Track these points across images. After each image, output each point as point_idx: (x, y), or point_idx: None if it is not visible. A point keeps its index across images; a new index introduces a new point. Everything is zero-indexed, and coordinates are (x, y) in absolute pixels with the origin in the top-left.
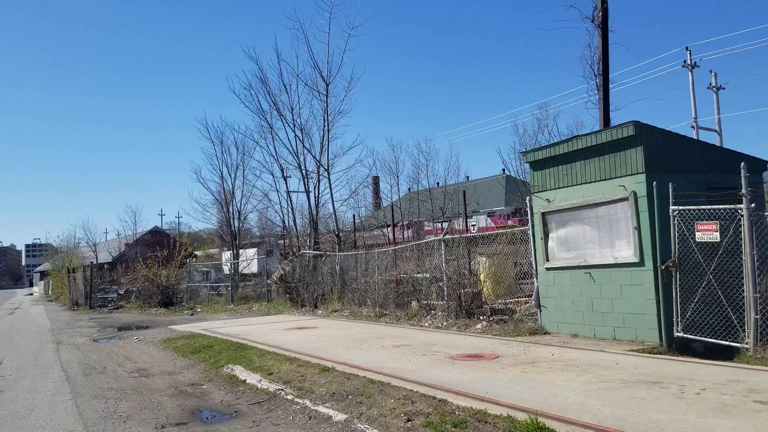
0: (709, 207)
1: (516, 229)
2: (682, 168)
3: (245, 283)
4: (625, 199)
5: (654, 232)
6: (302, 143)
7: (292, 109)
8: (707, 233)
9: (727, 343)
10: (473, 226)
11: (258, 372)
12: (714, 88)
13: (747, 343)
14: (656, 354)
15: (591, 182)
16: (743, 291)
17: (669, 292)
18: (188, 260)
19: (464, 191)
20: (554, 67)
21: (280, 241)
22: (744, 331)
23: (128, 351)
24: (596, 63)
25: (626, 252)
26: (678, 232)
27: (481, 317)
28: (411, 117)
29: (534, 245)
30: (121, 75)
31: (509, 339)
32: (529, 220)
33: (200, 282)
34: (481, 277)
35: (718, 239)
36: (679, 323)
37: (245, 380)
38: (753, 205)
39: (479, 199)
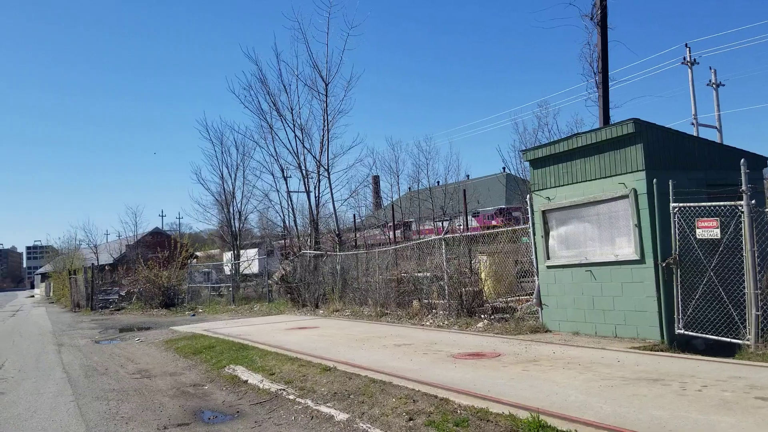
0: (709, 204)
1: (517, 227)
2: (683, 165)
3: (246, 284)
4: (626, 196)
5: (654, 229)
6: (302, 143)
7: (291, 109)
8: (708, 230)
9: (728, 339)
10: (459, 226)
11: (260, 372)
12: (714, 85)
13: (748, 340)
14: (657, 351)
15: (591, 180)
16: (744, 287)
17: (670, 290)
18: (189, 261)
19: (464, 190)
20: (554, 65)
21: (280, 241)
22: (745, 327)
23: (130, 352)
24: (596, 61)
25: (627, 249)
26: (678, 229)
27: (482, 316)
28: (411, 116)
29: (534, 243)
30: (121, 75)
31: (510, 337)
32: (530, 218)
33: (201, 283)
34: (482, 275)
35: (719, 236)
36: (680, 320)
37: (247, 380)
38: (753, 201)
39: (480, 198)
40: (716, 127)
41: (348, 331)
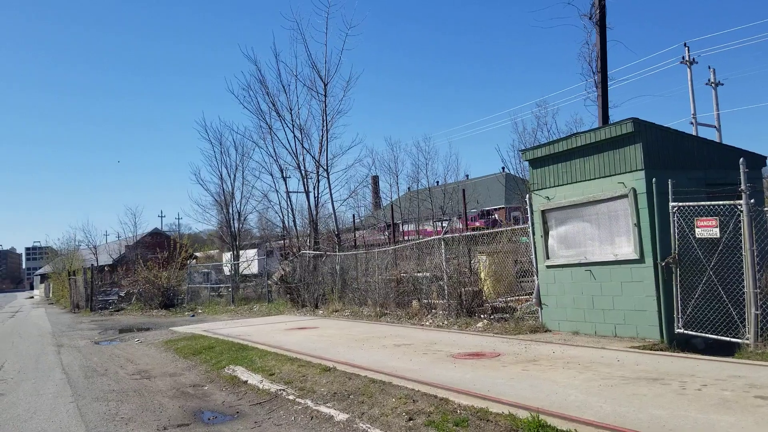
0: (708, 203)
1: (516, 227)
2: (682, 164)
3: (246, 284)
4: (625, 196)
5: (654, 228)
6: (301, 144)
7: (290, 109)
8: (707, 229)
9: (727, 338)
10: (443, 228)
11: (259, 372)
12: (713, 84)
13: (747, 339)
14: (657, 350)
15: (590, 179)
16: (743, 286)
17: (669, 289)
18: (189, 262)
19: (464, 190)
20: (553, 64)
21: (280, 242)
22: (744, 326)
23: (129, 353)
24: (594, 60)
25: (626, 249)
26: (678, 229)
27: (482, 316)
28: (410, 116)
29: (534, 243)
30: (120, 75)
31: (510, 337)
32: (529, 218)
33: (201, 283)
34: (482, 275)
35: (718, 235)
36: (680, 319)
37: (247, 381)
38: (752, 200)
39: (479, 198)
40: (715, 127)
41: (348, 331)
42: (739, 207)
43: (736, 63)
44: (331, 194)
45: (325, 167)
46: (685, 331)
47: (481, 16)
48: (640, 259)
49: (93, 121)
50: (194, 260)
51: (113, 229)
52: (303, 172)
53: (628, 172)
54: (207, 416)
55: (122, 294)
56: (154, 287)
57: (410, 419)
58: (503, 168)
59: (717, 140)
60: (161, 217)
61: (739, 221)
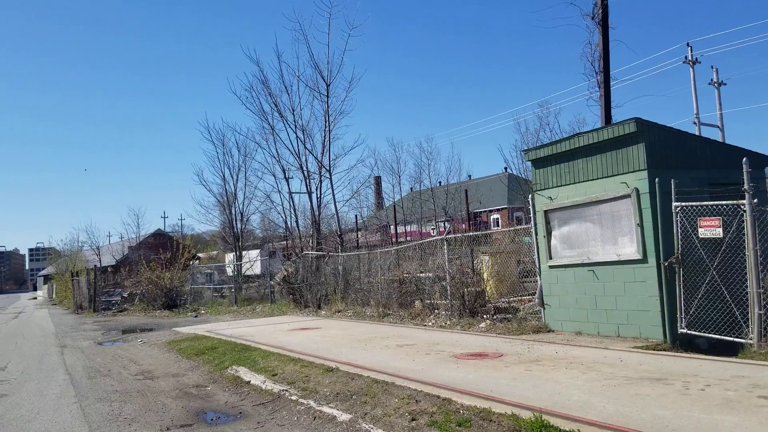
0: (711, 203)
1: (519, 227)
2: (684, 164)
3: (248, 285)
4: (628, 196)
5: (657, 228)
6: (304, 144)
7: (293, 110)
8: (710, 229)
9: (731, 338)
10: (433, 229)
11: (262, 373)
12: (715, 84)
13: (751, 339)
14: (660, 351)
15: (593, 179)
16: (747, 286)
17: (672, 289)
18: (191, 262)
19: (466, 190)
20: (555, 64)
21: (282, 243)
22: (748, 326)
23: (132, 353)
24: (597, 60)
25: (629, 249)
26: (681, 229)
27: (484, 316)
28: (412, 116)
29: (537, 243)
30: (122, 75)
31: (513, 337)
32: (532, 218)
33: (204, 284)
34: (485, 275)
35: (721, 235)
36: (683, 319)
37: (249, 381)
38: (755, 200)
39: (482, 198)
40: (718, 126)
41: (350, 331)
42: (742, 207)
43: (739, 63)
44: (333, 195)
45: (328, 168)
46: (689, 331)
47: (482, 15)
48: (643, 259)
49: (95, 122)
50: (197, 261)
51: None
52: (305, 172)
53: (631, 172)
54: (210, 417)
55: (125, 295)
56: (157, 288)
57: (413, 419)
58: (506, 168)
59: (720, 140)
60: (164, 217)
61: (743, 221)
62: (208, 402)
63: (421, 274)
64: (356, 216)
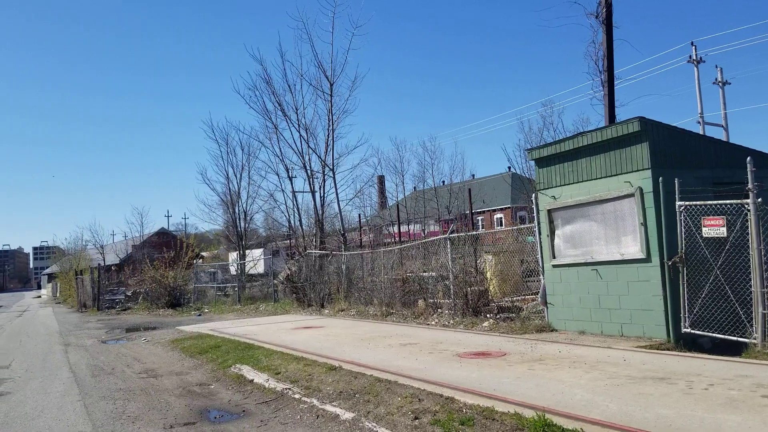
0: (715, 202)
1: (522, 226)
2: (688, 164)
3: (252, 284)
4: (631, 195)
5: (660, 228)
6: (307, 143)
7: (296, 109)
8: (714, 228)
9: (734, 338)
10: (423, 230)
11: (265, 371)
12: (720, 84)
13: (755, 338)
14: (664, 350)
15: (597, 179)
16: (751, 286)
17: (676, 288)
18: (195, 261)
19: (470, 189)
20: (559, 64)
21: (286, 241)
22: (752, 326)
23: (136, 352)
24: (601, 59)
25: (633, 248)
26: (685, 228)
27: (487, 315)
28: (415, 115)
29: (540, 242)
30: (125, 75)
31: (516, 336)
32: (535, 217)
33: (207, 283)
34: (488, 275)
35: (725, 234)
36: (687, 319)
37: (253, 380)
38: (759, 199)
39: (485, 197)
40: (722, 126)
41: (353, 330)
42: (746, 206)
43: (743, 62)
44: (336, 194)
45: (331, 167)
46: (692, 331)
47: (485, 15)
48: (647, 259)
49: (98, 122)
50: (201, 260)
51: (120, 228)
52: (309, 171)
53: (635, 171)
54: (213, 415)
55: (129, 293)
56: (160, 287)
57: (416, 418)
58: (509, 167)
59: (724, 139)
60: (168, 216)
61: (747, 220)
62: (211, 400)
63: (424, 273)
64: (360, 215)
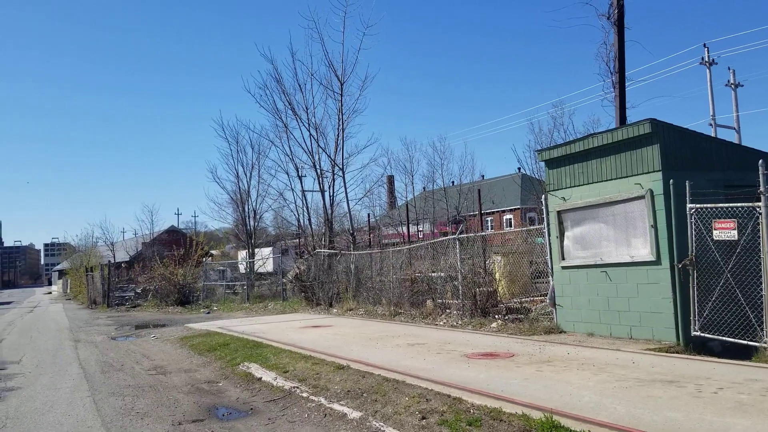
0: (726, 205)
1: (531, 228)
2: (700, 166)
3: (261, 282)
4: (642, 197)
5: (671, 230)
6: (317, 142)
7: (306, 108)
8: (725, 231)
9: (744, 342)
10: (420, 231)
11: (273, 370)
12: (732, 86)
13: (765, 342)
14: (673, 353)
15: (607, 180)
16: (761, 289)
17: (686, 291)
18: (204, 259)
19: (479, 190)
20: (570, 65)
21: (295, 240)
22: (762, 329)
23: (145, 349)
24: (612, 60)
25: (643, 250)
26: (695, 231)
27: (496, 316)
28: (425, 115)
29: (549, 244)
30: (135, 73)
31: (524, 338)
32: (545, 218)
33: (216, 281)
34: (497, 275)
35: (736, 237)
36: (697, 322)
37: (261, 378)
38: None
39: (494, 198)
40: (734, 128)
41: (361, 329)
42: (757, 209)
43: (756, 64)
44: (346, 193)
45: (341, 166)
46: (702, 334)
47: (496, 15)
48: (657, 261)
49: (109, 120)
50: (210, 258)
51: (130, 226)
52: (318, 170)
53: (646, 173)
54: (221, 412)
55: (138, 290)
56: (170, 284)
57: (423, 418)
58: (519, 168)
59: (736, 142)
60: (178, 214)
61: (758, 223)
62: (219, 398)
63: (433, 274)
64: (369, 215)
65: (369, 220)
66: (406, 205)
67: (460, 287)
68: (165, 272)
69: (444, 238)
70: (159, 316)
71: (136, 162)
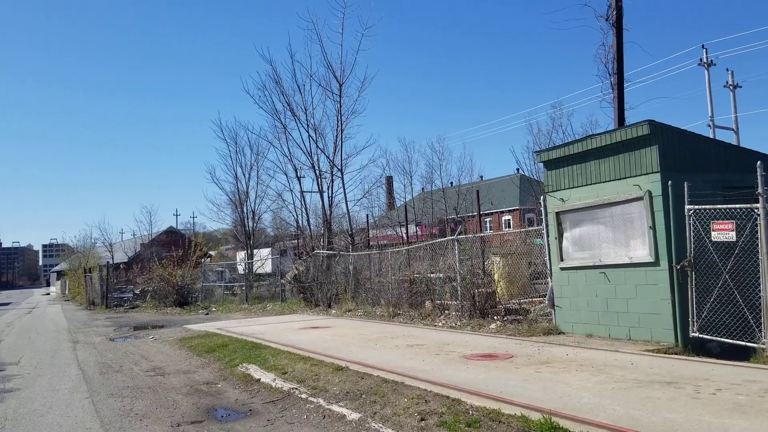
0: (724, 206)
1: (530, 229)
2: (698, 167)
3: (259, 283)
4: (640, 198)
5: (669, 231)
6: (316, 143)
7: (305, 109)
8: (723, 233)
9: (743, 343)
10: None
11: (272, 371)
12: (730, 87)
13: (763, 344)
14: (671, 354)
15: (605, 181)
16: (760, 291)
17: (684, 292)
18: (203, 260)
19: (478, 191)
20: (568, 65)
21: (293, 241)
22: (760, 331)
23: (144, 350)
24: (611, 62)
25: (641, 252)
26: (693, 232)
27: (495, 317)
28: (424, 116)
29: (548, 245)
30: (134, 72)
31: (523, 339)
32: (544, 219)
33: (215, 282)
34: (495, 276)
35: (734, 239)
36: (695, 323)
37: (259, 379)
38: None
39: (493, 199)
40: (733, 129)
41: (360, 331)
42: (756, 210)
43: (755, 65)
44: (345, 194)
45: (340, 167)
46: (700, 335)
47: (495, 16)
48: (655, 262)
49: (107, 119)
50: (208, 259)
51: (129, 227)
52: (317, 171)
53: (644, 174)
54: (220, 414)
55: (137, 291)
56: (168, 285)
57: (422, 419)
58: (518, 169)
59: (735, 143)
60: (176, 215)
61: (756, 225)
62: (218, 399)
63: (431, 275)
64: (367, 216)
65: (368, 220)
66: (405, 206)
67: (458, 288)
68: (163, 273)
69: (443, 239)
70: (157, 317)
71: (134, 162)
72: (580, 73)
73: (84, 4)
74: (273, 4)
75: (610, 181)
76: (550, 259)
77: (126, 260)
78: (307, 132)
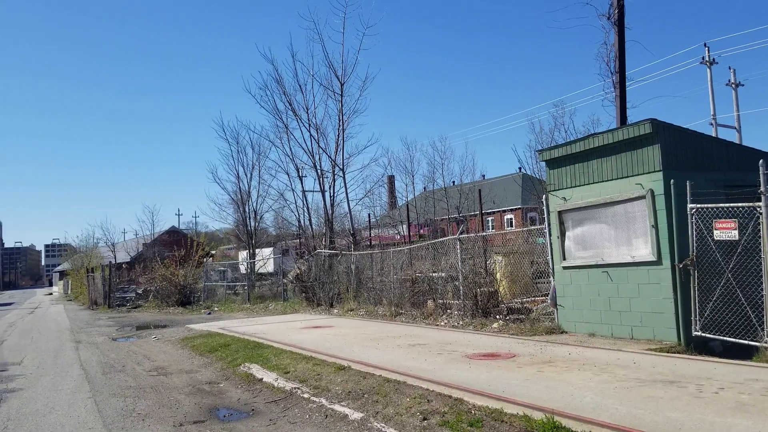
0: (727, 205)
1: (532, 228)
2: (700, 166)
3: (261, 283)
4: (642, 197)
5: (672, 230)
6: (317, 143)
7: (307, 108)
8: (726, 231)
9: (745, 342)
10: (397, 234)
11: (274, 370)
12: (733, 85)
13: (766, 342)
14: (674, 353)
15: (608, 180)
16: (762, 289)
17: (687, 291)
18: (205, 260)
19: (480, 190)
20: (570, 64)
21: (295, 241)
22: (763, 329)
23: (146, 350)
24: (613, 60)
25: (644, 251)
26: (696, 231)
27: (497, 316)
28: (425, 115)
29: (550, 244)
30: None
31: (526, 338)
32: (546, 218)
33: (217, 281)
34: (498, 276)
35: (737, 237)
36: (698, 322)
37: (262, 379)
38: None
39: (495, 198)
40: (735, 128)
41: (362, 330)
42: (758, 209)
43: (757, 63)
44: (346, 193)
45: (341, 166)
46: (703, 334)
47: (498, 14)
48: (658, 261)
49: (109, 117)
50: (211, 258)
51: (131, 227)
52: (319, 171)
53: (646, 173)
54: (223, 413)
55: (139, 291)
56: (171, 285)
57: (424, 419)
58: (520, 168)
59: (737, 141)
60: (178, 215)
61: (759, 223)
62: (220, 399)
63: (433, 274)
64: (369, 215)
65: (369, 220)
66: (407, 205)
67: (461, 287)
68: (166, 273)
69: (445, 238)
70: (160, 316)
71: (136, 161)
72: (581, 72)
73: (87, 1)
74: (275, 3)
75: (612, 179)
76: (552, 258)
77: (128, 260)
78: (309, 131)
